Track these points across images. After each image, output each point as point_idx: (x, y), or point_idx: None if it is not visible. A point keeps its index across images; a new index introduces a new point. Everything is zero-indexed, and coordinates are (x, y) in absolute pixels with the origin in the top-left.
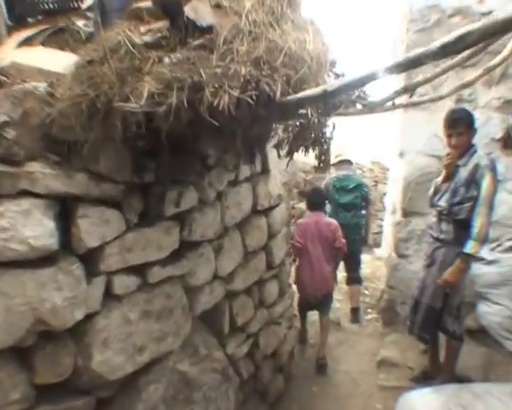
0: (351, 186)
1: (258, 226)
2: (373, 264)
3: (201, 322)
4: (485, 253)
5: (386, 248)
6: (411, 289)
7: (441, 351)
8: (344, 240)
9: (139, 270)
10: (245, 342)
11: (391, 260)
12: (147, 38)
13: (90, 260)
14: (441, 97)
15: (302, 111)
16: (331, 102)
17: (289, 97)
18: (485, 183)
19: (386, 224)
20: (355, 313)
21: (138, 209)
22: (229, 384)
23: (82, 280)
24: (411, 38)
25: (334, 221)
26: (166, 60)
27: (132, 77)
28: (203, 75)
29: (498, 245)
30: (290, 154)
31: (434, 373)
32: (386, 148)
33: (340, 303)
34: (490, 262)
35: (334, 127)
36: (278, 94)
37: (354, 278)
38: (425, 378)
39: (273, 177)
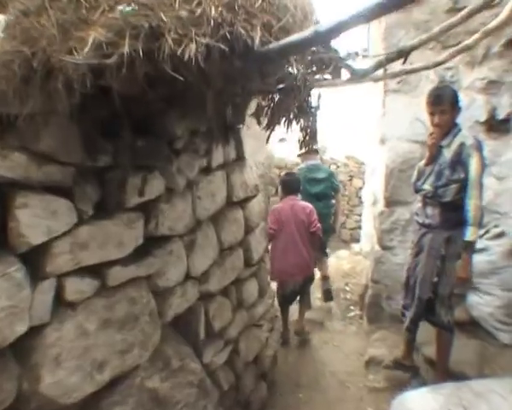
0: (321, 176)
1: (234, 219)
2: (351, 259)
3: (173, 329)
4: None
5: (365, 242)
6: (400, 281)
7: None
8: (319, 224)
9: (97, 271)
10: (224, 349)
11: (374, 253)
12: None
13: (35, 261)
14: (438, 64)
15: (286, 66)
16: (319, 59)
17: (271, 45)
18: (473, 163)
19: (365, 217)
20: (325, 284)
21: (94, 198)
22: (208, 399)
23: (24, 285)
24: (390, 16)
25: (309, 205)
26: (120, 8)
27: (77, 29)
28: (163, 19)
29: (486, 232)
30: (271, 126)
31: (406, 362)
32: (360, 142)
33: (321, 302)
34: (478, 251)
35: (319, 96)
36: (257, 41)
37: (320, 254)
38: (396, 367)
39: (249, 165)
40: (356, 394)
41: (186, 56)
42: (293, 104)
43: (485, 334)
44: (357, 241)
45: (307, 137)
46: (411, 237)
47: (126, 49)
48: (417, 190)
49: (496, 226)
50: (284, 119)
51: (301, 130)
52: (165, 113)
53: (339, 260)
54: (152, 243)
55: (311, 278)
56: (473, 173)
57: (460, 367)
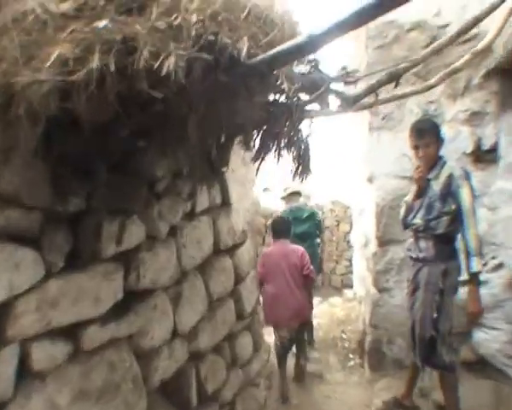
0: (304, 216)
1: (222, 269)
2: (345, 306)
3: (161, 396)
4: None
5: (359, 287)
6: (401, 323)
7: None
8: (311, 267)
9: (69, 333)
10: None
11: (371, 296)
12: (66, 6)
13: None
14: (429, 87)
15: (277, 84)
16: (311, 80)
17: (260, 57)
18: (464, 193)
19: (356, 260)
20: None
21: (65, 248)
22: None
23: None
24: (371, 55)
25: (300, 247)
26: (93, 25)
27: (43, 49)
28: (138, 31)
29: (484, 264)
30: (259, 156)
31: (406, 402)
32: (344, 185)
33: (319, 353)
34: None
35: (310, 125)
36: (244, 52)
37: None
38: (394, 406)
39: (235, 210)
40: None
41: (164, 71)
42: (284, 129)
43: (496, 372)
44: (349, 287)
45: (300, 167)
46: (407, 275)
47: (96, 64)
48: (407, 226)
49: (494, 258)
50: (275, 146)
51: (294, 159)
52: (143, 150)
53: (332, 308)
54: (133, 298)
55: (307, 324)
56: (465, 203)
57: None
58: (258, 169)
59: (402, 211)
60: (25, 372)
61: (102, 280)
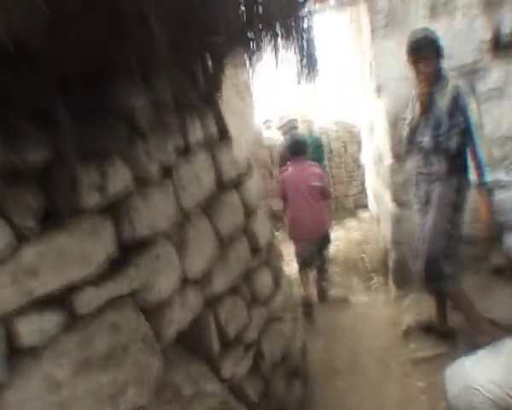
0: (310, 141)
1: (229, 204)
2: (362, 226)
3: (180, 349)
4: (499, 175)
5: (374, 206)
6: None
7: None
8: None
9: (60, 299)
10: (245, 356)
11: (390, 212)
12: None
13: None
14: None
15: None
16: None
17: None
18: (472, 109)
19: (370, 179)
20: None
21: (35, 208)
22: None
23: None
24: None
25: (317, 166)
26: None
27: None
28: None
29: (511, 163)
30: (253, 55)
31: (441, 325)
32: (348, 103)
33: (340, 277)
34: (508, 184)
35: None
36: None
37: None
38: (427, 329)
39: (235, 140)
40: (399, 369)
41: None
42: (277, 12)
43: None
44: (363, 207)
45: (305, 65)
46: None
47: None
48: (413, 144)
49: None
50: (269, 36)
51: (296, 54)
52: (111, 76)
53: (348, 231)
54: (131, 252)
55: (327, 238)
56: (474, 118)
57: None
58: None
59: (406, 130)
60: (16, 352)
61: (87, 236)
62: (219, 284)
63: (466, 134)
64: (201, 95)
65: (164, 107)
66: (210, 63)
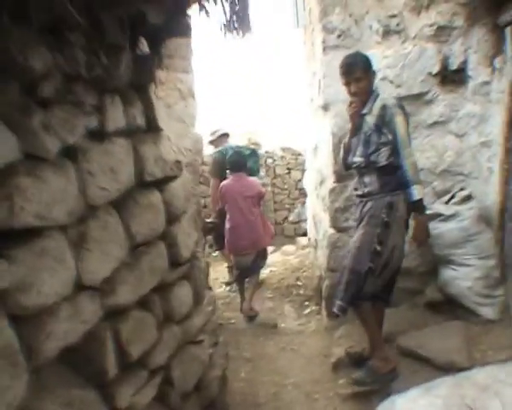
0: (247, 153)
1: (149, 205)
2: (299, 253)
3: (63, 369)
4: (439, 207)
5: (313, 232)
6: None
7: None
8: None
9: None
10: (149, 383)
11: (328, 237)
12: None
13: None
14: None
15: None
16: None
17: None
18: (398, 122)
19: (310, 204)
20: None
21: None
22: None
23: None
24: None
25: (256, 179)
26: None
27: None
28: None
29: (452, 197)
30: None
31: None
32: (296, 131)
33: (273, 302)
34: (448, 218)
35: None
36: None
37: None
38: (359, 363)
39: (166, 138)
40: (327, 406)
41: None
42: None
43: (466, 312)
44: (302, 235)
45: (235, 18)
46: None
47: None
48: (348, 166)
49: (462, 189)
50: None
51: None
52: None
53: (286, 256)
54: (8, 241)
55: (262, 254)
56: (400, 132)
57: (446, 356)
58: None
59: (341, 153)
60: None
61: None
62: (125, 295)
63: (395, 151)
64: (130, 80)
65: (78, 82)
66: (143, 45)
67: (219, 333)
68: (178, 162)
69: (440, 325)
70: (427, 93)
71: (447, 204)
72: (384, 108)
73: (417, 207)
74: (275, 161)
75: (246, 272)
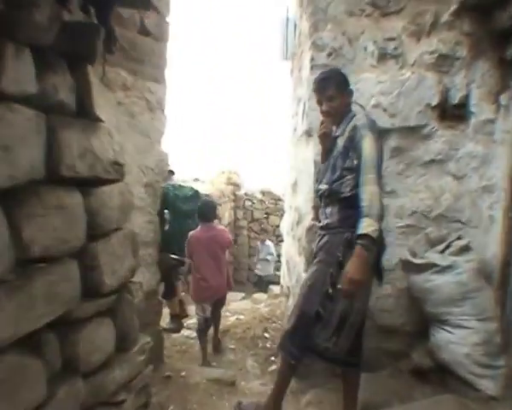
0: (190, 194)
1: (60, 207)
2: (271, 302)
3: None
4: (434, 257)
5: (286, 279)
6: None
7: None
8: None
9: None
10: None
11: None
12: None
13: None
14: None
15: None
16: None
17: None
18: (365, 145)
19: (286, 248)
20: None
21: None
22: None
23: None
24: None
25: (224, 229)
26: None
27: None
28: None
29: (448, 246)
30: None
31: None
32: (277, 176)
33: (234, 355)
34: (444, 269)
35: None
36: None
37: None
38: None
39: (106, 132)
40: None
41: None
42: None
43: (461, 384)
44: (276, 282)
45: None
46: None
47: None
48: (316, 193)
49: (459, 238)
50: None
51: None
52: None
53: (255, 304)
54: None
55: (225, 297)
56: (365, 156)
57: None
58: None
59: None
60: None
61: None
62: None
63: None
64: (61, 46)
65: None
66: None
67: (152, 391)
68: (118, 165)
69: (429, 399)
70: (424, 127)
71: (442, 254)
72: (354, 128)
73: (362, 241)
74: (253, 204)
75: (209, 319)
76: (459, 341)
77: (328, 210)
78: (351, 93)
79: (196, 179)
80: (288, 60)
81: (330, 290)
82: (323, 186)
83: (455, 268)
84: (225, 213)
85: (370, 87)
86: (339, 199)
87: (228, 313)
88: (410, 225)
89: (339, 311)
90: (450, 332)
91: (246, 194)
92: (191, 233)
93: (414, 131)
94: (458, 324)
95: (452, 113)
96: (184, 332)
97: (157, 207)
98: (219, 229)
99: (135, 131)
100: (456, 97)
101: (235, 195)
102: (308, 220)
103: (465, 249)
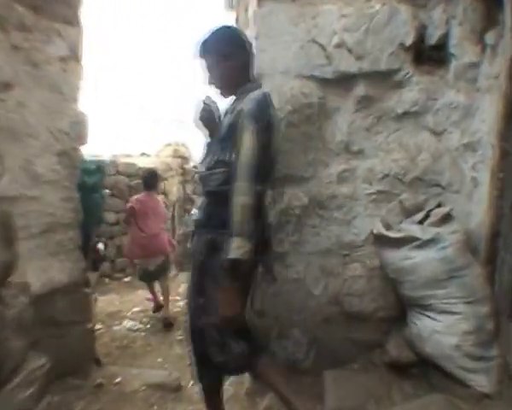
0: (93, 167)
1: None
2: None
3: None
4: (412, 229)
5: None
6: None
7: None
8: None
9: None
10: None
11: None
12: None
13: None
14: None
15: None
16: None
17: None
18: (244, 140)
19: None
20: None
21: None
22: None
23: None
24: None
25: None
26: None
27: None
28: None
29: (427, 216)
30: None
31: None
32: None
33: (181, 347)
34: (425, 244)
35: None
36: None
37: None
38: None
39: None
40: None
41: None
42: None
43: (448, 380)
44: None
45: None
46: (308, 236)
47: None
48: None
49: (439, 206)
50: None
51: None
52: None
53: None
54: None
55: (167, 261)
56: (241, 154)
57: None
58: None
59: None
60: None
61: None
62: None
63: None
64: None
65: None
66: None
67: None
68: None
69: (416, 401)
70: (397, 72)
71: (421, 225)
72: (239, 114)
73: (230, 269)
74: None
75: (154, 273)
76: (445, 330)
77: (201, 201)
78: (245, 56)
79: (143, 154)
80: (233, 9)
81: (201, 300)
82: (202, 169)
83: (438, 242)
84: (173, 187)
85: (332, 22)
86: (206, 192)
87: (178, 297)
88: (381, 191)
89: (215, 322)
90: (434, 319)
91: (195, 167)
92: (134, 198)
93: (385, 78)
94: (443, 309)
95: (430, 55)
96: (127, 323)
97: (75, 181)
98: (158, 198)
99: (40, 85)
100: (433, 37)
101: (183, 168)
102: None
103: (447, 219)
